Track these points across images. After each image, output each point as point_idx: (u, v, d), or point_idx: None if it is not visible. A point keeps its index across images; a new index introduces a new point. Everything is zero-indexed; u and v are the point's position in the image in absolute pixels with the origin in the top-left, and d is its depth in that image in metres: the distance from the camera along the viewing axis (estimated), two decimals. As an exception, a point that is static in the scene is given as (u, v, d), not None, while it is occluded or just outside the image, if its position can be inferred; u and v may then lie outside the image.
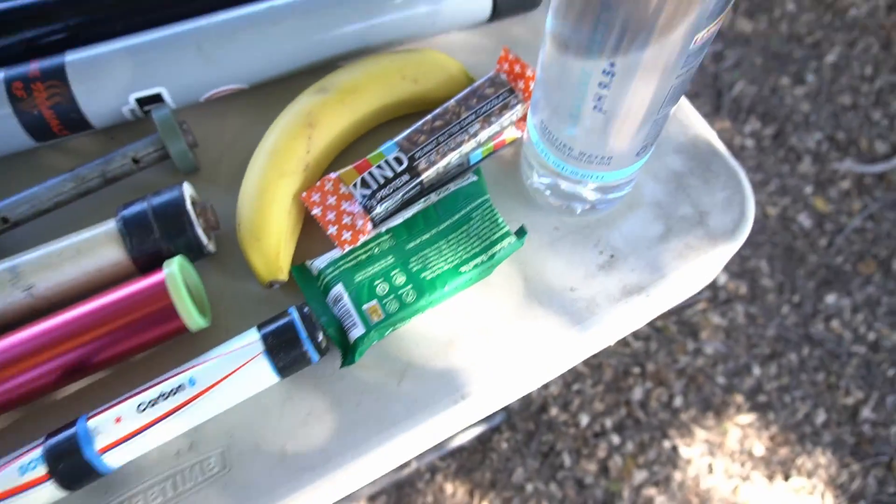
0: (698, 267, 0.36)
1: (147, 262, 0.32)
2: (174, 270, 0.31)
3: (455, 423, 0.33)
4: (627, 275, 0.35)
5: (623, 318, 0.35)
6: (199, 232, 0.33)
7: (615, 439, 1.12)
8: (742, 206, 0.37)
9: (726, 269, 1.27)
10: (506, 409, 1.14)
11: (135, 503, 0.30)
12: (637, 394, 1.17)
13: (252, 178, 0.34)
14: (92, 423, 0.28)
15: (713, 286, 1.25)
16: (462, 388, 0.32)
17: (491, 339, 0.34)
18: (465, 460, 1.10)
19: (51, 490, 0.28)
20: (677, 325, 1.23)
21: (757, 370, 1.19)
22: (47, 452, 0.28)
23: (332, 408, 0.32)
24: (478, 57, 0.41)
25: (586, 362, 1.19)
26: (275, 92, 0.39)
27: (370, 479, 0.32)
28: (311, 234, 0.36)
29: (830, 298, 1.23)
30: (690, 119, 0.39)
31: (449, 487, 1.08)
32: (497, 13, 0.40)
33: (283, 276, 0.34)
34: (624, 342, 1.20)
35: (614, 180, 0.32)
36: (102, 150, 0.38)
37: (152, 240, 0.32)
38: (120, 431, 0.28)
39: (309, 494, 0.30)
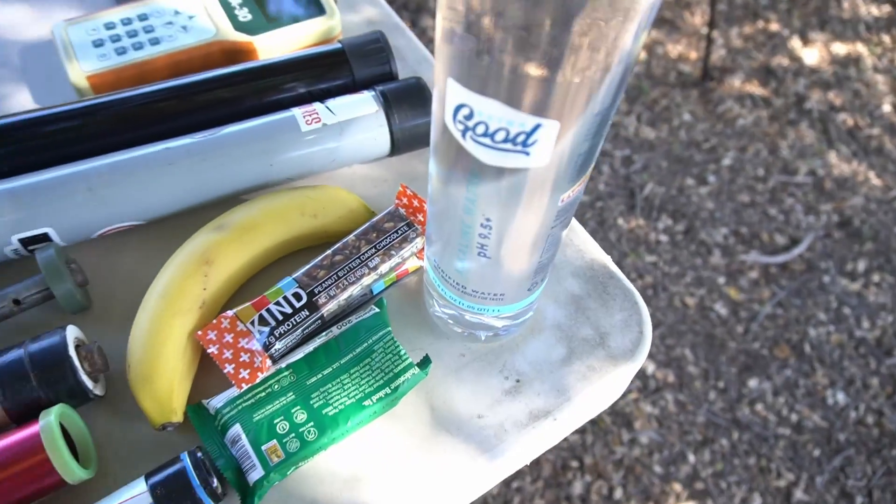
0: (602, 388, 0.37)
1: (22, 413, 0.30)
2: (51, 421, 0.29)
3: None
4: (534, 399, 0.35)
5: (531, 443, 0.35)
6: (84, 377, 0.31)
7: (555, 542, 1.09)
8: (640, 326, 0.38)
9: (654, 358, 1.30)
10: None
11: None
12: (577, 488, 1.15)
13: (144, 318, 0.33)
14: None
15: (642, 376, 1.27)
16: (363, 535, 0.31)
17: (399, 472, 0.33)
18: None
19: None
20: (611, 416, 1.23)
21: (692, 457, 1.20)
22: None
23: (223, 567, 0.30)
24: (379, 189, 0.42)
25: (523, 460, 1.17)
26: (173, 227, 0.39)
27: None
28: (210, 372, 0.35)
29: (752, 383, 1.27)
30: (586, 244, 0.41)
31: None
32: (396, 149, 0.41)
33: (177, 417, 0.32)
34: (559, 437, 1.20)
35: (511, 312, 0.33)
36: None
37: (29, 389, 0.30)
38: None
39: None
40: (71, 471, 0.29)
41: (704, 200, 1.48)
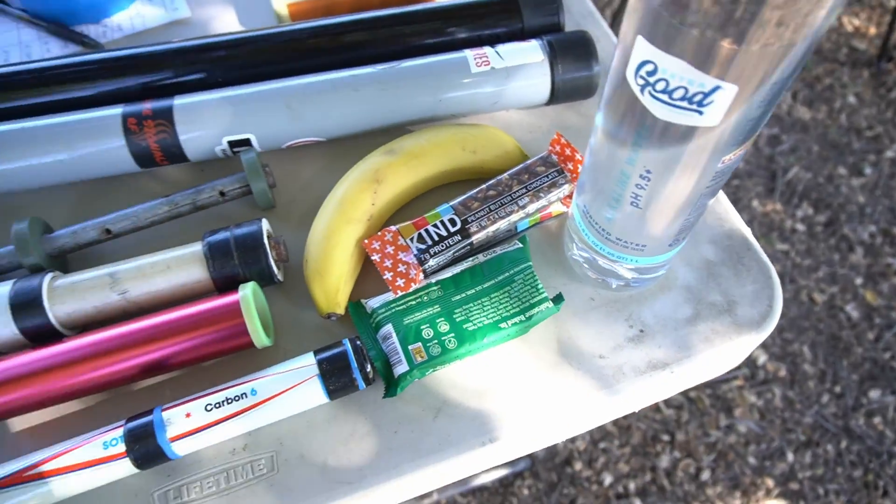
0: (723, 352, 0.38)
1: (224, 283, 0.37)
2: (248, 294, 0.35)
3: (481, 463, 0.36)
4: (654, 350, 0.38)
5: (646, 389, 0.38)
6: (272, 263, 0.37)
7: (637, 503, 1.12)
8: (770, 300, 0.39)
9: (767, 349, 1.25)
10: (530, 456, 1.14)
11: (192, 489, 0.34)
12: (664, 461, 1.16)
13: (322, 221, 0.39)
14: (166, 414, 0.33)
15: (752, 365, 1.24)
16: (491, 432, 0.35)
17: (522, 390, 0.36)
18: (486, 500, 1.11)
19: (126, 466, 0.32)
20: (711, 398, 1.21)
21: (791, 456, 1.17)
22: (127, 433, 0.32)
23: (371, 432, 0.35)
24: (532, 135, 0.45)
25: (615, 422, 1.19)
26: (347, 147, 0.44)
27: (397, 501, 0.35)
28: (368, 276, 0.40)
29: (874, 394, 1.20)
30: (728, 213, 0.42)
31: (463, 529, 1.09)
32: (554, 98, 0.43)
33: (340, 310, 0.38)
34: (655, 408, 1.20)
35: (647, 264, 0.35)
36: (193, 180, 0.44)
37: (231, 265, 0.36)
38: (188, 425, 0.32)
39: (340, 507, 0.33)
40: (259, 336, 0.35)
41: (855, 193, 1.38)
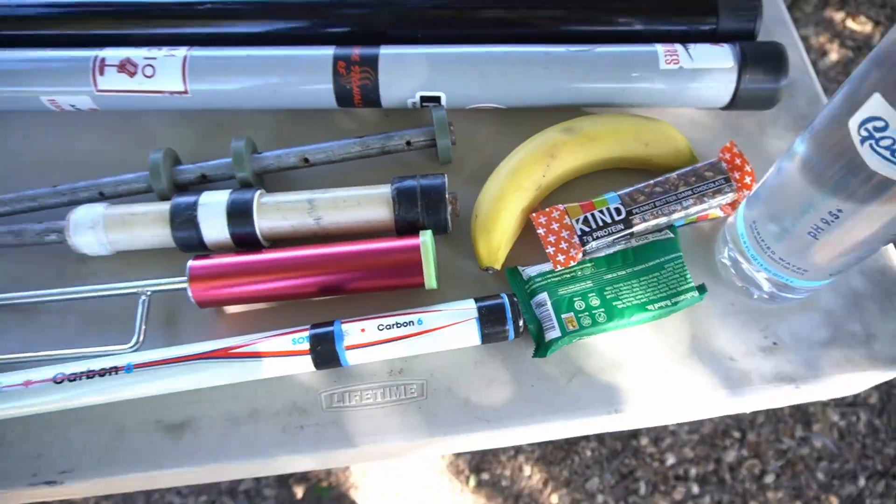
0: (851, 380, 0.40)
1: (404, 226, 0.41)
2: (427, 241, 0.40)
3: (602, 428, 0.40)
4: (784, 364, 0.40)
5: (768, 398, 0.40)
6: (448, 215, 0.41)
7: (695, 488, 1.14)
8: (912, 341, 0.40)
9: (864, 371, 1.22)
10: (596, 424, 1.18)
11: (353, 396, 0.39)
12: (730, 456, 1.17)
13: (495, 183, 0.42)
14: (345, 326, 0.38)
15: (844, 383, 1.21)
16: (617, 404, 0.39)
17: (652, 373, 0.40)
18: (549, 453, 1.17)
19: (307, 362, 0.38)
20: (791, 408, 1.20)
21: (862, 481, 1.15)
22: (312, 336, 0.38)
23: (511, 381, 0.40)
24: (703, 135, 0.46)
25: (687, 410, 1.20)
26: (522, 118, 0.47)
27: (520, 442, 0.40)
28: (524, 243, 0.43)
29: (970, 440, 1.15)
30: (888, 249, 0.42)
31: (527, 469, 1.16)
32: (733, 105, 0.44)
33: (498, 265, 0.42)
34: (731, 405, 1.20)
35: (802, 287, 0.37)
36: (379, 124, 0.48)
37: (414, 212, 0.41)
38: (362, 339, 0.38)
39: (476, 437, 0.39)
40: (430, 278, 0.40)
41: None
